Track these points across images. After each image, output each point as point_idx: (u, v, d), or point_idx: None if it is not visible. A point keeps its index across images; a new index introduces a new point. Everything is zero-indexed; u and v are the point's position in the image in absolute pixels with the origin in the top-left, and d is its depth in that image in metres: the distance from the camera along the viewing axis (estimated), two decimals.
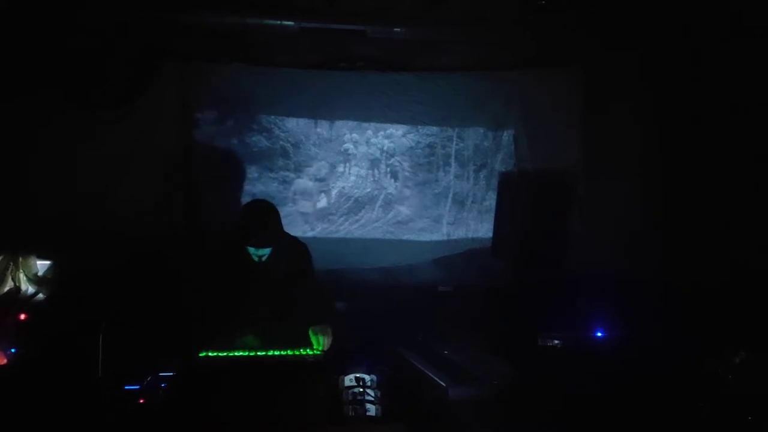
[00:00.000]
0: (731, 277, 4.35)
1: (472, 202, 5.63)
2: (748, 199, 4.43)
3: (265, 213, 3.65)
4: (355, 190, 5.48)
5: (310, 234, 5.35)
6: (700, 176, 4.75)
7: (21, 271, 3.93)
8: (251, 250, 3.60)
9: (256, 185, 5.33)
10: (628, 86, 5.10)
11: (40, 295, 3.93)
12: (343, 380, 3.21)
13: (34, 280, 3.95)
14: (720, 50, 4.54)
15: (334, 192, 5.46)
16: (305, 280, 3.76)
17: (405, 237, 5.57)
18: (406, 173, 5.52)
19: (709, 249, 4.59)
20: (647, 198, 5.06)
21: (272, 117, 5.34)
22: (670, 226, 4.89)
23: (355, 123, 5.44)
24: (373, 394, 3.15)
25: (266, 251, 3.60)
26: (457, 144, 5.56)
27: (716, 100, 4.60)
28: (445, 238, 5.63)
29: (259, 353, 3.29)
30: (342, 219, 5.48)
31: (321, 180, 5.43)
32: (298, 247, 3.85)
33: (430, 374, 3.71)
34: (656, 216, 4.99)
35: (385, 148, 5.47)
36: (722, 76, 4.56)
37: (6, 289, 3.88)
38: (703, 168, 4.72)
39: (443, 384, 3.57)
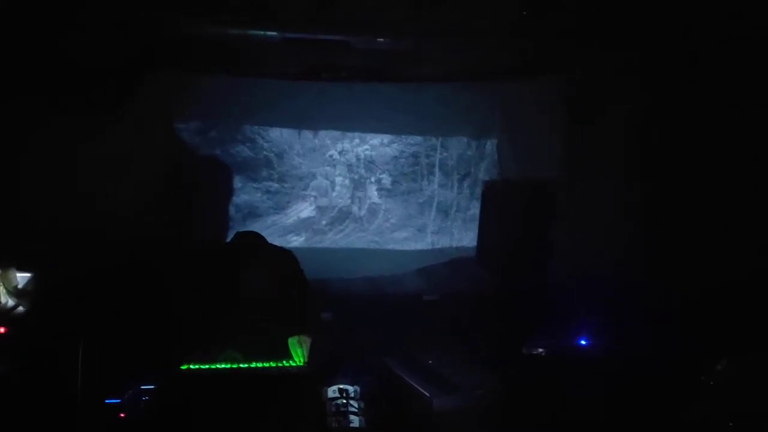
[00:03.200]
0: (718, 283, 4.37)
1: (457, 211, 5.64)
2: (744, 201, 4.46)
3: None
4: (339, 200, 5.48)
5: (294, 244, 5.34)
6: (697, 179, 4.76)
7: (0, 283, 3.88)
8: None
9: (240, 195, 5.32)
10: (620, 90, 5.11)
11: (20, 308, 3.88)
12: (327, 391, 3.20)
13: (14, 292, 3.89)
14: (717, 52, 4.57)
15: (318, 202, 5.45)
16: (297, 286, 3.74)
17: (389, 246, 5.57)
18: (390, 183, 5.53)
19: (700, 254, 4.61)
20: (641, 201, 5.05)
21: (256, 127, 5.33)
22: (663, 230, 4.90)
23: (339, 133, 5.44)
24: (356, 406, 3.14)
25: None
26: (441, 153, 5.58)
27: (712, 102, 4.62)
28: (430, 247, 5.64)
29: (241, 365, 3.26)
30: (326, 229, 5.48)
31: (305, 190, 5.42)
32: (283, 255, 3.84)
33: (415, 384, 3.70)
34: (649, 220, 4.99)
35: (369, 157, 5.48)
36: (719, 77, 4.59)
37: None
38: (699, 170, 4.73)
39: (428, 394, 3.56)
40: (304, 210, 5.44)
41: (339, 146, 5.45)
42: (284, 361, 3.31)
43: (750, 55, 4.33)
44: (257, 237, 3.76)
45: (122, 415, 3.04)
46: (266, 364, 3.26)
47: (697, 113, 4.68)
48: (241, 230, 4.24)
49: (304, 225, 5.45)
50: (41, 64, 4.62)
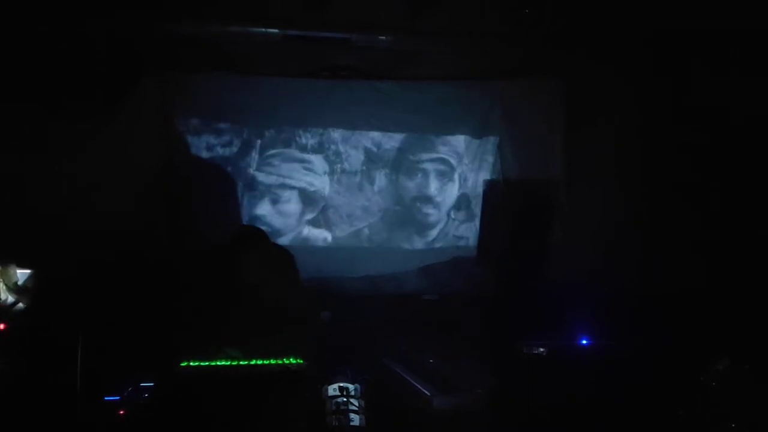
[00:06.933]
0: (713, 285, 4.38)
1: (456, 210, 5.63)
2: (740, 203, 4.47)
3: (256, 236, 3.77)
4: (340, 199, 5.47)
5: (295, 243, 5.33)
6: (694, 180, 4.77)
7: (0, 280, 3.87)
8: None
9: (240, 194, 5.31)
10: (618, 93, 5.11)
11: (20, 305, 3.87)
12: (327, 390, 3.19)
13: (14, 289, 3.88)
14: (706, 59, 4.59)
15: (318, 201, 5.44)
16: (295, 285, 3.75)
17: (389, 245, 5.56)
18: (390, 181, 5.52)
19: (696, 256, 4.62)
20: (640, 201, 5.05)
21: (255, 126, 5.31)
22: (661, 229, 4.91)
23: (339, 131, 5.42)
24: (357, 404, 3.13)
25: None
26: (441, 152, 5.57)
27: (701, 108, 4.65)
28: (430, 246, 5.63)
29: (241, 362, 3.26)
30: (327, 227, 5.47)
31: (305, 189, 5.41)
32: (282, 254, 3.84)
33: (415, 383, 3.70)
34: (644, 224, 5.00)
35: (368, 156, 5.47)
36: (708, 87, 4.61)
37: None
38: (697, 171, 4.74)
39: (428, 393, 3.56)
40: (304, 209, 5.43)
41: (338, 145, 5.44)
42: (284, 359, 3.31)
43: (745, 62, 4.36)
44: (258, 231, 3.77)
45: (122, 412, 3.03)
46: (266, 362, 3.26)
47: (694, 115, 4.70)
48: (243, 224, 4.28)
49: (303, 224, 5.44)
50: (39, 65, 4.61)
